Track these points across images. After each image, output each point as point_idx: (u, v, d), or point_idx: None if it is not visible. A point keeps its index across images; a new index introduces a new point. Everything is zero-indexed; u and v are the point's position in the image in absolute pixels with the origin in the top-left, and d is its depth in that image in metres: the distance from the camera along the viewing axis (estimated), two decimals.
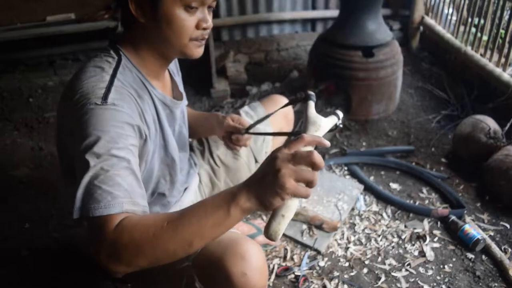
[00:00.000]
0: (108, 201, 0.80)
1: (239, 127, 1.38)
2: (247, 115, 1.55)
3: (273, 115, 1.36)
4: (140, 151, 0.97)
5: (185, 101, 1.29)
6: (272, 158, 0.77)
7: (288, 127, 1.67)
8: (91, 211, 0.79)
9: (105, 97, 0.90)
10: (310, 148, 0.81)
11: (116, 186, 0.82)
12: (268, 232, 0.80)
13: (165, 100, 1.12)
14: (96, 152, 0.83)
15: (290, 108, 1.61)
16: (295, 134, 0.96)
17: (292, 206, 0.80)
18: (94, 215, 0.79)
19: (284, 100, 1.62)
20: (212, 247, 1.00)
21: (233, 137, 1.41)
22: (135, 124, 0.93)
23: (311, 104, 0.94)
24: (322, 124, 0.91)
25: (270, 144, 1.60)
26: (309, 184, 0.78)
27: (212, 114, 1.47)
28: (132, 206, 0.83)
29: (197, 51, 1.04)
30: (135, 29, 1.02)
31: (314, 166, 0.78)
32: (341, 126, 0.99)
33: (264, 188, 0.76)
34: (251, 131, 1.38)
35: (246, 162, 1.53)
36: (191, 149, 1.52)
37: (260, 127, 1.47)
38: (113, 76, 0.96)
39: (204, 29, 1.01)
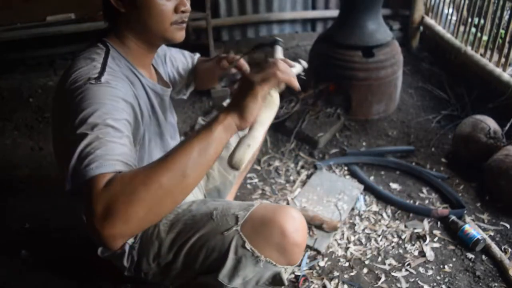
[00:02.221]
0: (100, 163, 0.78)
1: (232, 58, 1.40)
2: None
3: None
4: (133, 132, 0.97)
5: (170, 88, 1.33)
6: (244, 79, 0.90)
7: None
8: (83, 176, 0.77)
9: (99, 78, 0.93)
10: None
11: (110, 150, 0.81)
12: (232, 160, 0.86)
13: (156, 89, 1.15)
14: (91, 123, 0.83)
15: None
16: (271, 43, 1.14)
17: (257, 137, 0.88)
18: (86, 178, 0.76)
19: None
20: (261, 212, 1.10)
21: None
22: (130, 102, 0.95)
23: (279, 49, 1.04)
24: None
25: None
26: (279, 73, 0.88)
27: (212, 61, 1.44)
28: (125, 167, 0.81)
29: (179, 35, 1.08)
30: (119, 21, 1.06)
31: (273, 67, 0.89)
32: (303, 77, 1.10)
33: (239, 99, 0.86)
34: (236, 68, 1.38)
35: None
36: None
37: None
38: (104, 64, 0.99)
39: (183, 12, 1.05)
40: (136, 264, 1.23)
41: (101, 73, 0.95)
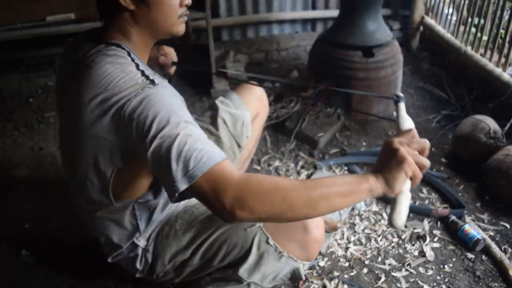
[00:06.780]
0: (210, 155, 0.83)
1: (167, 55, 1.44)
2: (223, 103, 1.56)
3: (249, 99, 1.55)
4: None
5: None
6: (389, 143, 0.88)
7: (265, 110, 1.69)
8: (199, 170, 0.81)
9: (152, 81, 0.94)
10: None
11: (206, 142, 0.86)
12: (398, 222, 0.89)
13: None
14: (174, 122, 0.86)
15: (263, 91, 1.68)
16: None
17: (408, 193, 0.89)
18: (205, 171, 0.81)
19: (255, 87, 1.65)
20: None
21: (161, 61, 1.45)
22: (181, 98, 0.99)
23: (403, 106, 1.02)
24: (411, 122, 1.00)
25: (250, 129, 1.60)
26: (422, 167, 0.87)
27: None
28: (226, 154, 0.88)
29: (182, 28, 1.11)
30: (122, 19, 1.04)
31: (425, 151, 0.89)
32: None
33: (389, 168, 0.86)
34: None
35: (230, 147, 1.55)
36: None
37: (238, 112, 1.53)
38: (138, 66, 0.98)
39: (186, 5, 1.08)
40: (150, 266, 1.24)
41: (146, 75, 0.95)
